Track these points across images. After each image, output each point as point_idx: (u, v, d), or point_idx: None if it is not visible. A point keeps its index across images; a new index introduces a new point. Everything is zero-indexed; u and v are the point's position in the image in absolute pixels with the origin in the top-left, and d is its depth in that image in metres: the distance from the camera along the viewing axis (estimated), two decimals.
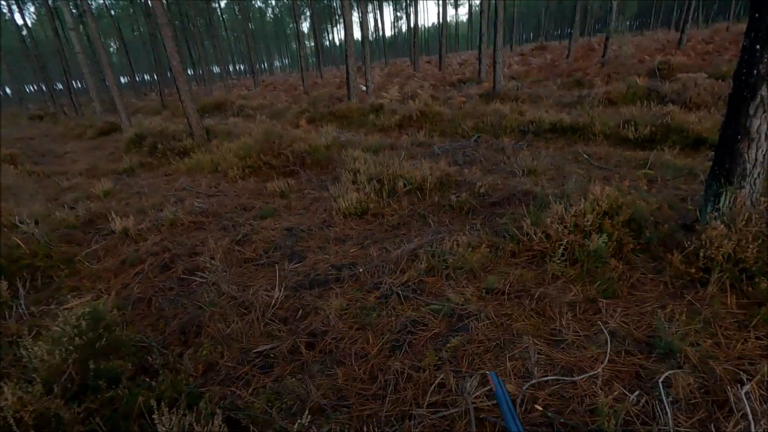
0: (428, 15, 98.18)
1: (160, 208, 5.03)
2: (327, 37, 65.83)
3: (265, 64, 73.83)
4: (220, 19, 37.65)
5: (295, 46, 67.13)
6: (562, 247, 2.70)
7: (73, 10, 13.13)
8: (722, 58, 12.70)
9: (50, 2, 18.45)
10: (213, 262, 3.13)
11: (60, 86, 33.59)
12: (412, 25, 22.20)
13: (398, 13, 72.87)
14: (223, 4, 53.96)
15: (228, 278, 3.11)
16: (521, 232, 3.03)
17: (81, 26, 21.95)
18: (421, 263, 2.91)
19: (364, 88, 17.65)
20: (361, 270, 3.04)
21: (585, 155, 5.52)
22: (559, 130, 6.79)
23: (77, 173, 7.63)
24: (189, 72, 37.68)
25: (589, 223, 2.80)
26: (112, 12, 40.66)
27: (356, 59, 12.83)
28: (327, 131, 7.83)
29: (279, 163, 5.90)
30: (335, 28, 64.09)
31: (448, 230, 3.57)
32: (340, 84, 21.64)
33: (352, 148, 7.17)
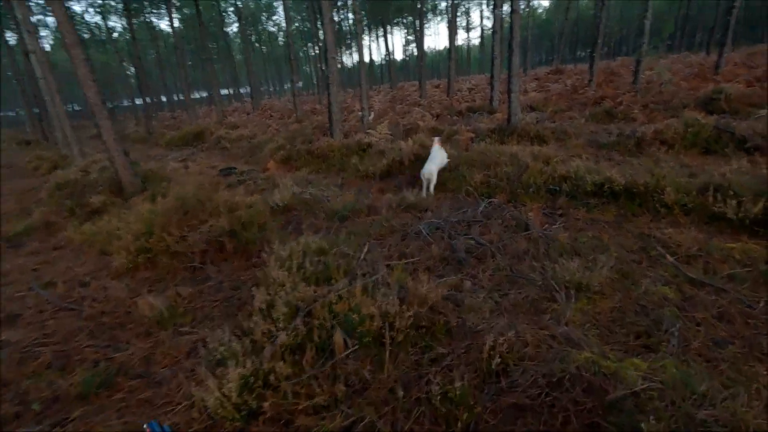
0: (440, 38, 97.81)
1: None
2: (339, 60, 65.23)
3: (276, 87, 73.65)
4: (227, 43, 36.79)
5: (307, 69, 66.59)
6: None
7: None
8: None
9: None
10: None
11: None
12: (419, 50, 20.57)
13: (409, 37, 71.88)
14: (235, 28, 53.87)
15: None
16: None
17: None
18: None
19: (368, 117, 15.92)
20: None
21: (665, 253, 3.38)
22: (607, 194, 4.68)
23: None
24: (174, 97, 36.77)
25: None
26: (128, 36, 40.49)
27: (340, 88, 11.00)
28: (286, 184, 5.86)
29: (185, 248, 3.89)
30: (348, 51, 63.37)
31: None
32: (341, 110, 19.92)
33: (314, 215, 5.19)
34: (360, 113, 16.04)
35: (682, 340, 2.31)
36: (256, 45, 61.62)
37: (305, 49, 62.49)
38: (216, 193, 4.65)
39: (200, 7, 20.07)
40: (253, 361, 2.18)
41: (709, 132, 6.49)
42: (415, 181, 6.42)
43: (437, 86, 28.24)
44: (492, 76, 13.72)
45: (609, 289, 2.93)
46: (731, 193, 3.90)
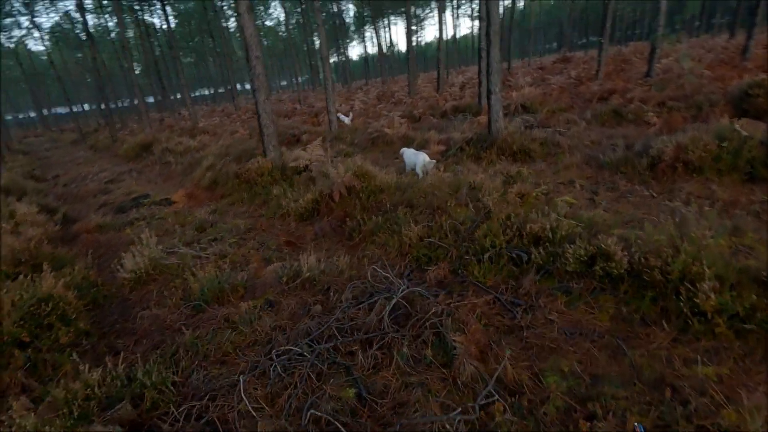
0: (446, 27, 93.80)
1: None
2: (336, 56, 63.17)
3: (280, 82, 71.57)
4: (214, 39, 35.10)
5: (309, 63, 63.95)
6: None
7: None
8: None
9: None
10: None
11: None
12: (408, 44, 18.60)
13: (413, 27, 68.64)
14: (232, 24, 51.90)
15: None
16: None
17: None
18: None
19: (344, 118, 14.16)
20: None
21: None
22: (599, 275, 2.88)
23: None
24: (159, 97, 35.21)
25: None
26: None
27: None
28: (147, 241, 4.17)
29: None
30: (349, 45, 60.11)
31: None
32: (321, 110, 18.21)
33: (168, 296, 3.53)
34: (343, 116, 14.23)
35: None
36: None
37: (307, 42, 59.91)
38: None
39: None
40: None
41: (754, 150, 4.60)
42: (342, 227, 4.69)
43: (434, 80, 26.22)
44: (480, 71, 11.80)
45: None
46: None
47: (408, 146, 8.98)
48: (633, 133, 7.26)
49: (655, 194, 4.60)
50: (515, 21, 52.44)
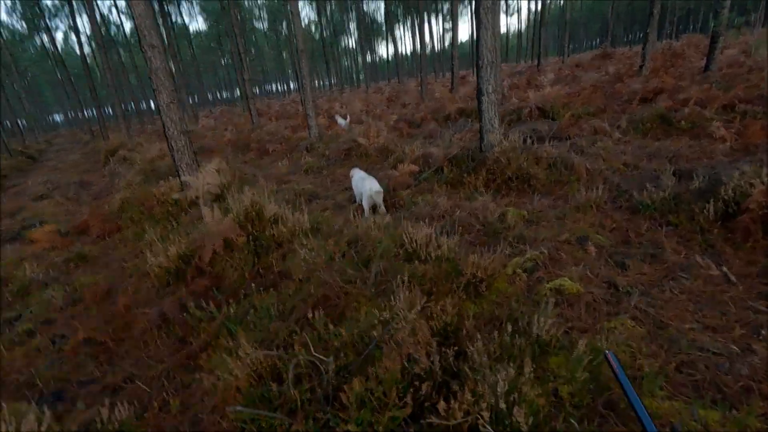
0: (472, 24, 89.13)
1: None
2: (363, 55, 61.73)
3: (316, 83, 70.53)
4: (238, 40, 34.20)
5: (346, 62, 62.35)
6: None
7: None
8: None
9: None
10: None
11: None
12: (421, 43, 16.61)
13: (446, 25, 65.37)
14: (263, 26, 51.47)
15: None
16: None
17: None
18: None
19: (341, 122, 12.40)
20: None
21: None
22: None
23: None
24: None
25: None
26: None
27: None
28: None
29: None
30: (383, 43, 58.13)
31: None
32: (320, 112, 16.57)
33: None
34: (340, 118, 12.45)
35: None
36: (291, 41, 58.31)
37: (344, 43, 58.36)
38: None
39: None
40: None
41: None
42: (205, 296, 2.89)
43: (461, 78, 24.02)
44: None
45: None
46: None
47: (384, 161, 7.14)
48: (688, 151, 5.03)
49: (734, 279, 2.50)
50: (552, 16, 48.90)
